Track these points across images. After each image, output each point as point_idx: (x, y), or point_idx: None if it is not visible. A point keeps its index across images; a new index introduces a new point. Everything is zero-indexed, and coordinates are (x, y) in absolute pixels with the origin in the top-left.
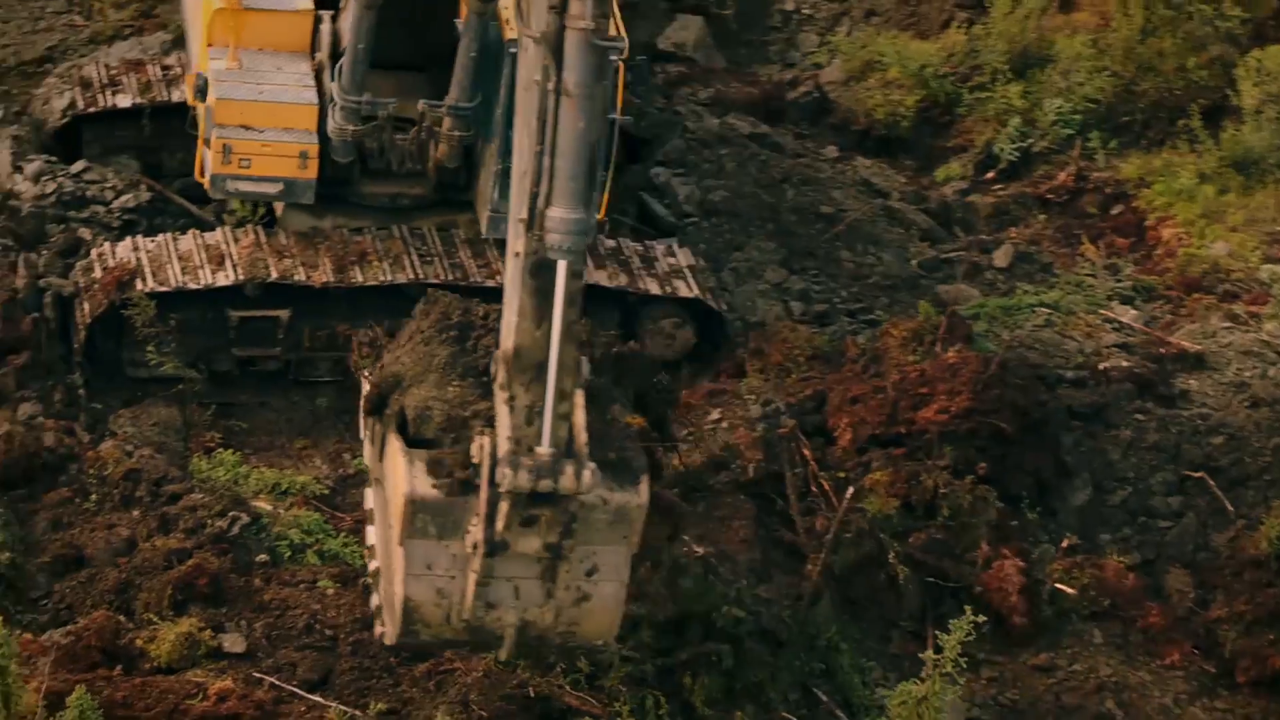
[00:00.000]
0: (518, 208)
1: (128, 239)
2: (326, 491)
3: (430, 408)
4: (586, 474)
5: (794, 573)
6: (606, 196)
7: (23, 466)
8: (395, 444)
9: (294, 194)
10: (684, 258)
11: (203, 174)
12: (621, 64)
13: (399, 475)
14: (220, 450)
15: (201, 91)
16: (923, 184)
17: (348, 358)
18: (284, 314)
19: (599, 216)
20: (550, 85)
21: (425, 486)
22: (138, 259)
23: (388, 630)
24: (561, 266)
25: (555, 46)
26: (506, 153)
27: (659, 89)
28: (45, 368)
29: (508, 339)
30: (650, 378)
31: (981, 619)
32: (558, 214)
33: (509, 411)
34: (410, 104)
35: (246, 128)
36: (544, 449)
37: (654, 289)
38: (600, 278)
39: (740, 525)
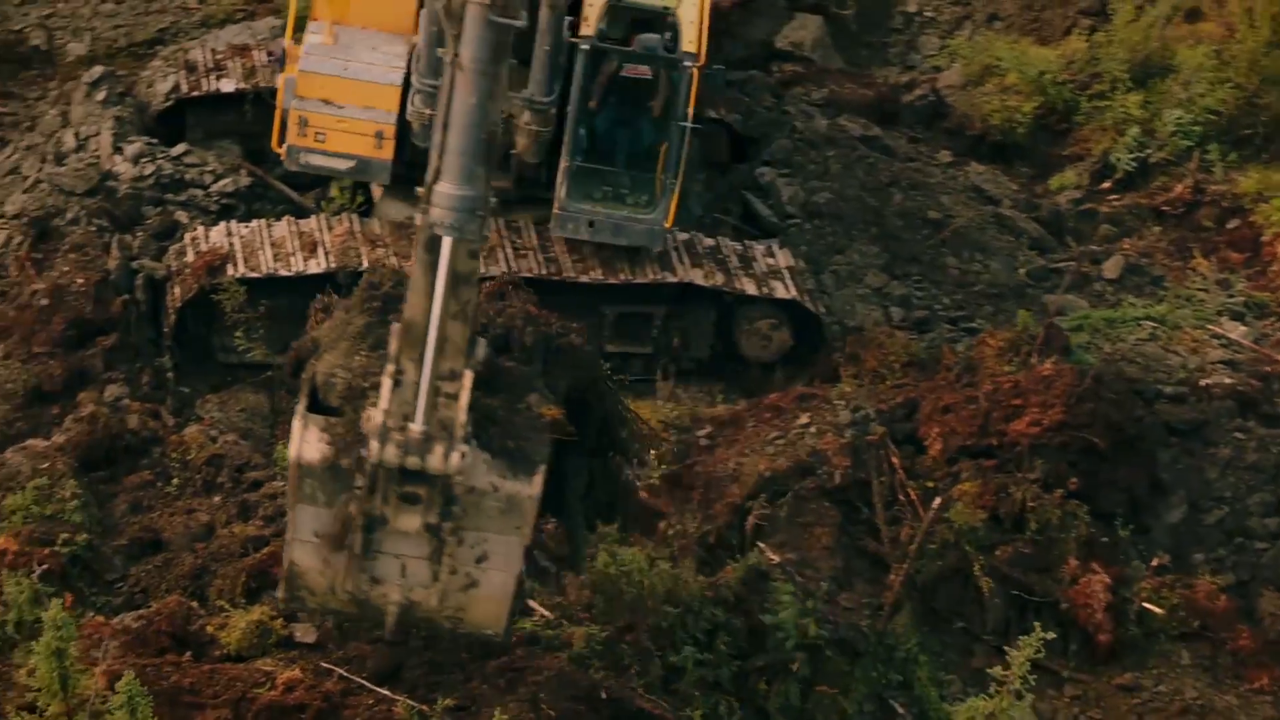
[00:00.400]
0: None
1: (221, 224)
2: None
3: (335, 375)
4: (455, 455)
5: (876, 582)
6: (675, 202)
7: (105, 448)
8: (296, 408)
9: (368, 173)
10: (783, 259)
11: (280, 144)
12: (696, 71)
13: (291, 439)
14: None
15: (280, 62)
16: (1035, 192)
17: None
18: None
19: (666, 223)
20: (449, 58)
21: (314, 452)
22: (230, 244)
23: (279, 592)
24: (447, 243)
25: (458, 18)
26: (575, 150)
27: (770, 88)
28: (134, 350)
29: (404, 312)
30: (591, 373)
31: (1051, 635)
32: (445, 189)
33: (391, 385)
34: None
35: (327, 102)
36: (416, 426)
37: (750, 289)
38: (696, 276)
39: (823, 532)
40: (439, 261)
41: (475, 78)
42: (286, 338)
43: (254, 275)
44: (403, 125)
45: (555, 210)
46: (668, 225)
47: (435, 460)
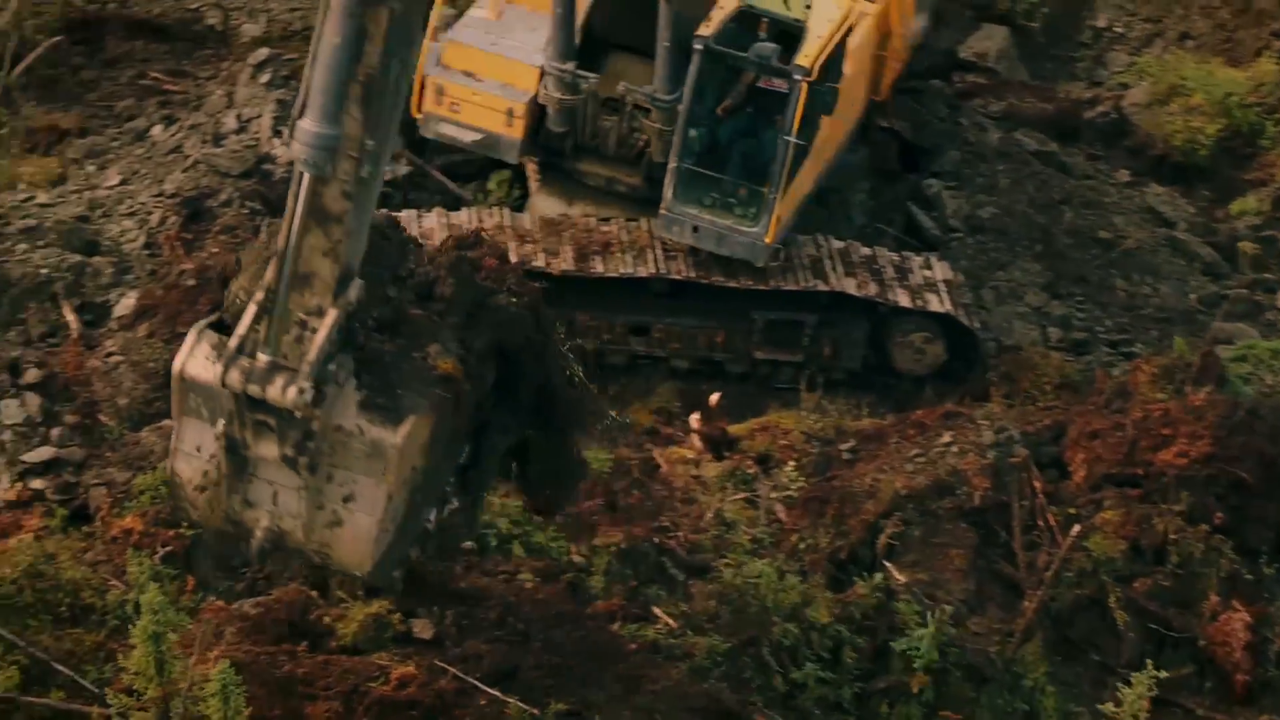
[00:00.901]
0: None
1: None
2: None
3: (239, 296)
4: (293, 391)
5: (1008, 608)
6: (776, 218)
7: None
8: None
9: (495, 148)
10: (941, 272)
11: (419, 110)
12: (805, 84)
13: (181, 350)
14: None
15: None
16: (1214, 216)
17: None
18: None
19: (767, 239)
20: None
21: (197, 367)
22: None
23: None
24: (307, 179)
25: None
26: (685, 152)
27: (946, 98)
28: None
29: (276, 242)
30: (521, 336)
31: (1185, 671)
32: (305, 125)
33: (254, 311)
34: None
35: (468, 74)
36: (262, 355)
37: (904, 301)
38: (849, 286)
39: (957, 554)
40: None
41: (341, 18)
42: None
43: None
44: (539, 108)
45: (661, 210)
46: (768, 240)
47: (274, 392)
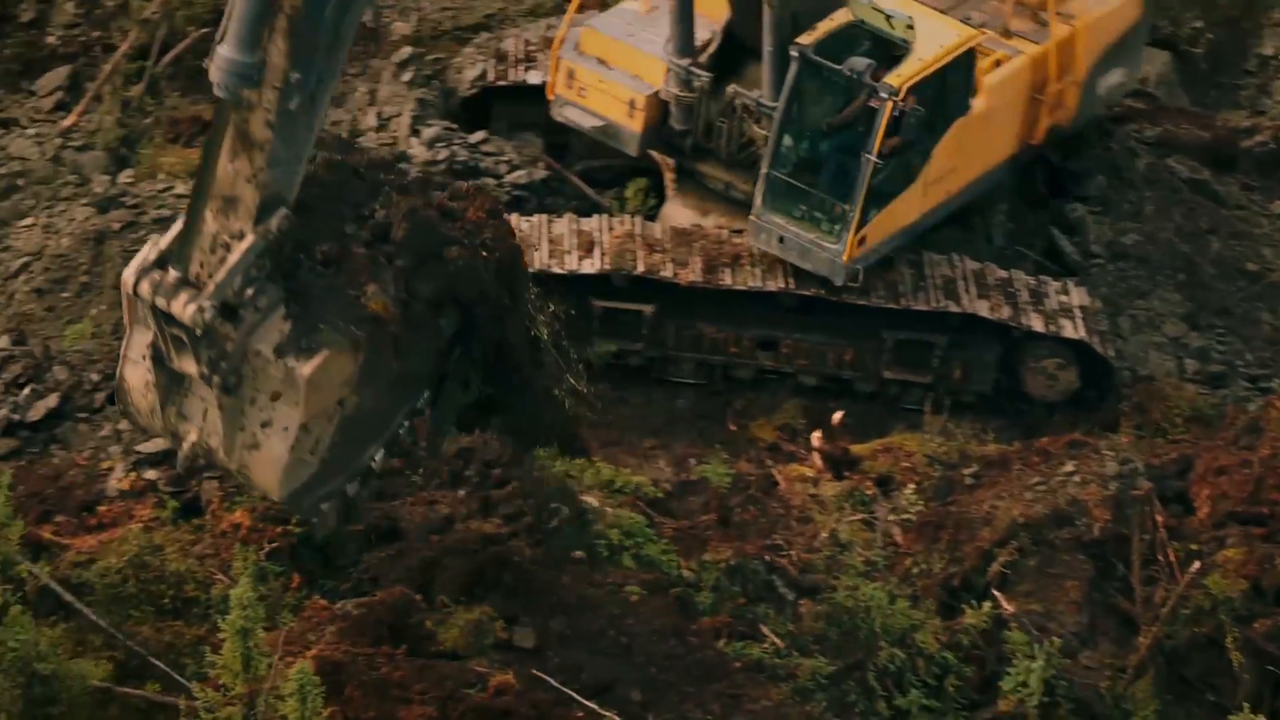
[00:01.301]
0: None
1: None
2: (661, 495)
3: None
4: (192, 308)
5: (1122, 643)
6: (856, 237)
7: None
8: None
9: (615, 138)
10: (1078, 298)
11: (552, 92)
12: (890, 104)
13: (134, 260)
14: None
15: None
16: None
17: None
18: (649, 309)
19: (843, 258)
20: None
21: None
22: None
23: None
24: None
25: None
26: (777, 161)
27: (1100, 122)
28: None
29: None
30: (475, 290)
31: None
32: (222, 51)
33: (179, 226)
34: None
35: (600, 61)
36: (174, 270)
37: (1037, 326)
38: (981, 308)
39: (1072, 585)
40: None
41: None
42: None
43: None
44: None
45: (750, 217)
46: (844, 259)
47: (177, 306)
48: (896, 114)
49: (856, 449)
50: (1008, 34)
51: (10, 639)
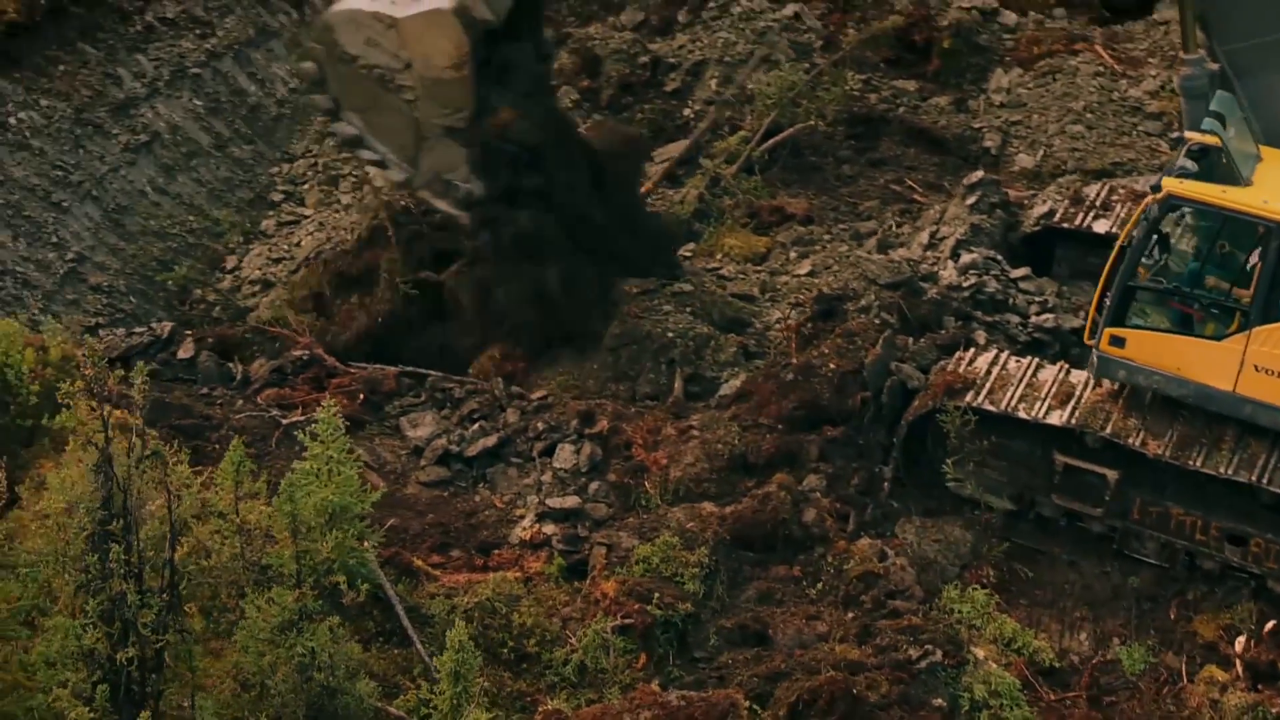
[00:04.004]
0: None
1: (992, 351)
2: (1057, 665)
3: None
4: None
5: None
6: (1089, 329)
7: (766, 531)
8: None
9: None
10: None
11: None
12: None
13: None
14: (978, 589)
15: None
16: None
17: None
18: (1112, 474)
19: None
20: None
21: None
22: (986, 372)
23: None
24: None
25: None
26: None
27: None
28: (858, 449)
29: None
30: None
31: None
32: None
33: None
34: None
35: None
36: None
37: None
38: None
39: None
40: None
41: None
42: (1008, 481)
43: (988, 409)
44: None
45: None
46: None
47: None
48: None
49: None
50: None
51: (300, 644)
